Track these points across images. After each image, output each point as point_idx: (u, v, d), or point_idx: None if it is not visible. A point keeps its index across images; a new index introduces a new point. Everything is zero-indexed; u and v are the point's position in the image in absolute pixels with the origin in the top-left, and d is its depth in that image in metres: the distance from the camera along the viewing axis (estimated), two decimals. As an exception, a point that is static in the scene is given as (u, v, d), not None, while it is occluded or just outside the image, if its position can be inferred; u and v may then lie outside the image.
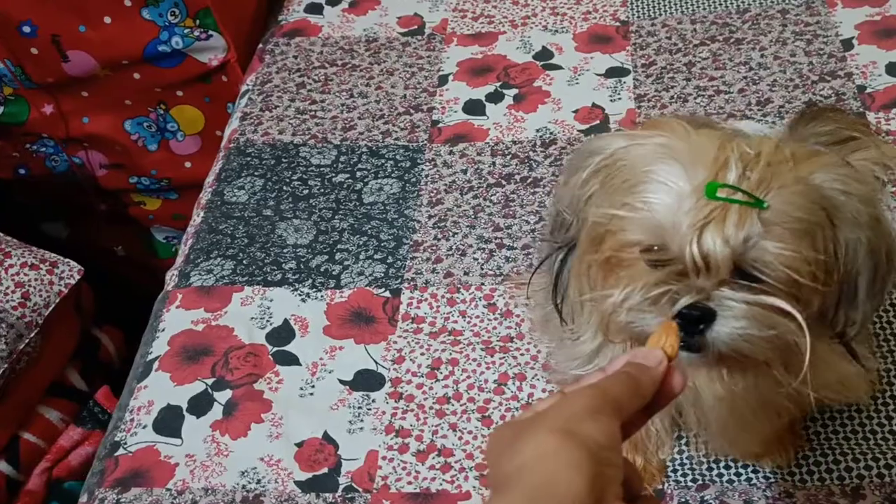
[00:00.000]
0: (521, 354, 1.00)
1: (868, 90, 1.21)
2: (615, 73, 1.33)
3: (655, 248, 0.62)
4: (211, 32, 1.41)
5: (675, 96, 1.27)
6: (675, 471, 0.88)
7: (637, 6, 1.44)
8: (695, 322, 0.60)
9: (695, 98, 1.26)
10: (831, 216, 0.62)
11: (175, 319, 1.07)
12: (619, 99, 1.29)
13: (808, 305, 0.62)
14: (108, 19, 1.39)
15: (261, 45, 1.48)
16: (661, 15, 1.41)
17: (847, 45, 1.28)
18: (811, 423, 0.89)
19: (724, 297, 0.59)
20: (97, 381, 1.44)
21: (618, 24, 1.41)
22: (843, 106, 1.20)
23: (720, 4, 1.40)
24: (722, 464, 0.88)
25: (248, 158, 1.28)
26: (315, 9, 1.53)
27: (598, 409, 0.49)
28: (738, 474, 0.87)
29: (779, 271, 0.59)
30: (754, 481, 0.86)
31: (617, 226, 0.63)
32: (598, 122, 1.26)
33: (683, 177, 0.60)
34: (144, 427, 0.97)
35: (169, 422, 0.97)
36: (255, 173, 1.25)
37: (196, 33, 1.41)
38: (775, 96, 1.24)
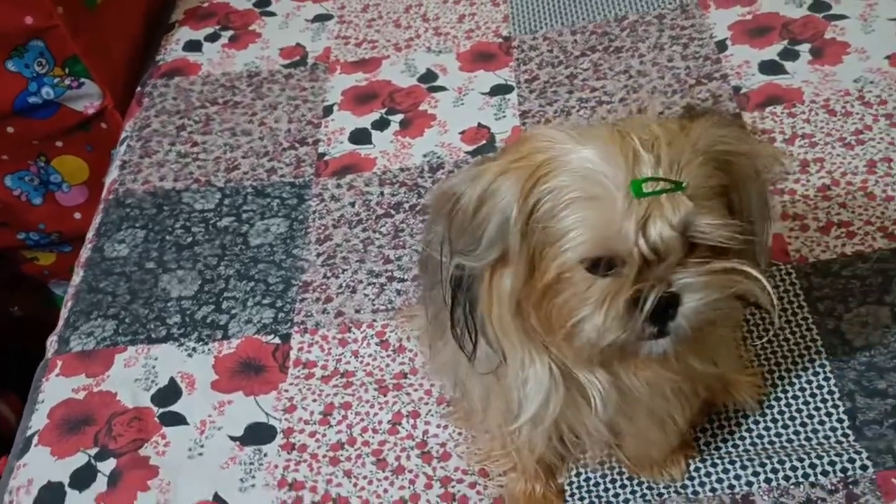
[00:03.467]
0: (415, 390, 0.98)
1: (743, 90, 1.23)
2: (500, 90, 1.33)
3: (602, 258, 0.63)
4: (82, 80, 1.36)
5: (559, 110, 1.27)
6: (572, 495, 0.88)
7: (518, 21, 1.44)
8: (664, 311, 0.62)
9: (577, 111, 1.26)
10: (732, 176, 0.64)
11: (55, 389, 1.03)
12: (504, 117, 1.28)
13: (749, 256, 0.66)
14: (-29, 74, 1.33)
15: (139, 89, 1.43)
16: (542, 28, 1.41)
17: (721, 46, 1.30)
18: (701, 434, 0.89)
19: (681, 278, 0.62)
20: (-3, 453, 1.38)
21: (500, 40, 1.41)
22: (719, 107, 1.21)
23: (599, 13, 1.41)
24: (618, 483, 0.87)
25: (128, 209, 1.23)
26: (194, 46, 1.49)
27: None
28: (633, 492, 0.87)
29: (717, 237, 0.62)
30: (649, 497, 0.86)
31: (555, 252, 0.63)
32: (484, 142, 1.25)
33: (605, 184, 0.61)
34: (24, 509, 0.92)
35: (50, 500, 0.92)
36: (136, 224, 1.21)
37: (67, 82, 1.36)
38: (655, 103, 1.25)
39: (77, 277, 1.16)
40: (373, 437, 0.95)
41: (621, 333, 0.62)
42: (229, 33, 1.52)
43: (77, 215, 1.55)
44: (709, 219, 0.61)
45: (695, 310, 0.62)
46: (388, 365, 1.01)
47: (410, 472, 0.91)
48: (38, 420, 1.00)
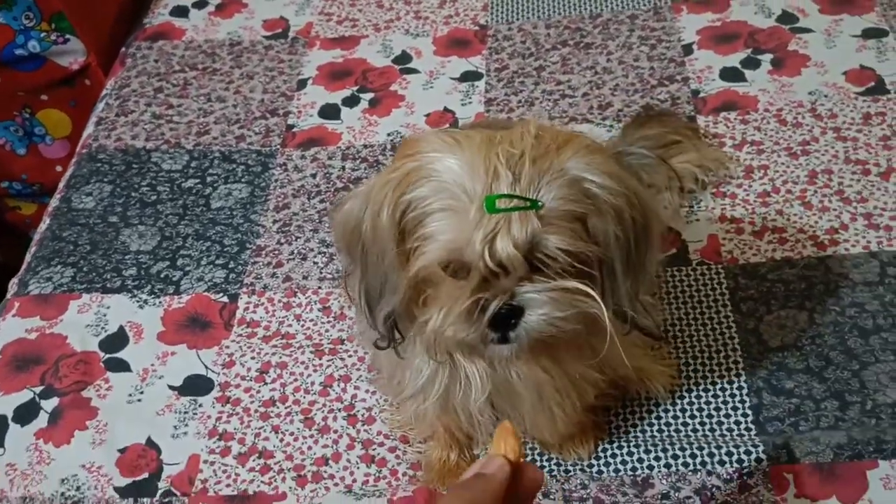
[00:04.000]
0: (350, 356, 1.02)
1: (701, 94, 1.26)
2: (469, 77, 1.36)
3: (453, 264, 0.66)
4: (68, 36, 1.41)
5: (523, 100, 1.31)
6: (485, 466, 0.92)
7: (497, 10, 1.47)
8: (507, 320, 0.65)
9: (541, 102, 1.30)
10: (593, 206, 0.66)
11: (10, 328, 1.07)
12: (470, 103, 1.32)
13: (595, 281, 0.68)
14: (-40, 23, 1.37)
15: (123, 49, 1.47)
16: (518, 19, 1.45)
17: (687, 49, 1.34)
18: (613, 418, 0.94)
19: (525, 291, 0.65)
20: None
21: (477, 28, 1.45)
22: (676, 109, 1.25)
23: (574, 9, 1.44)
24: (529, 458, 0.92)
25: (99, 164, 1.28)
26: (181, 12, 1.53)
27: None
28: (542, 467, 0.91)
29: (563, 259, 0.65)
30: (555, 473, 0.90)
31: (419, 252, 0.67)
32: (447, 125, 1.29)
33: (462, 196, 0.64)
34: (-32, 437, 0.97)
35: (-8, 431, 0.97)
36: (105, 179, 1.25)
37: (53, 37, 1.40)
38: (616, 100, 1.28)
39: (43, 225, 1.21)
40: (304, 397, 0.99)
41: (464, 334, 0.66)
42: (217, 1, 1.55)
43: (58, 168, 1.59)
44: (556, 240, 0.63)
45: (535, 322, 0.65)
46: (327, 330, 1.05)
47: (335, 432, 0.96)
48: (-10, 356, 1.05)
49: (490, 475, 0.60)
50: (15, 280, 1.14)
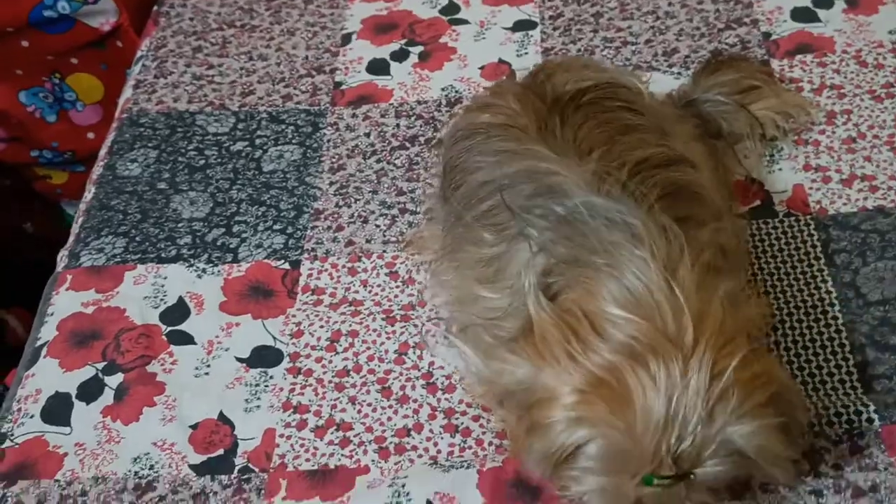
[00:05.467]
0: (423, 323, 0.98)
1: (773, 37, 1.20)
2: (523, 25, 1.29)
3: None
4: (99, -5, 1.34)
5: (583, 48, 1.24)
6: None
7: (546, -45, 1.39)
8: None
9: (602, 50, 1.24)
10: (750, 467, 0.67)
11: (64, 303, 1.03)
12: (526, 53, 1.25)
13: None
14: (-14, -16, 1.31)
15: (155, 8, 1.40)
16: (570, -37, 1.37)
17: (755, -11, 1.27)
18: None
19: None
20: (5, 365, 1.39)
21: (526, -27, 1.37)
22: (748, 54, 1.18)
23: (629, -49, 1.37)
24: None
25: (142, 129, 1.22)
26: (213, -33, 1.46)
27: None
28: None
29: None
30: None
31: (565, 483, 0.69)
32: (503, 77, 1.22)
33: (624, 477, 0.65)
34: (32, 417, 0.93)
35: (57, 410, 0.93)
36: (149, 144, 1.20)
37: (83, -3, 1.34)
38: (682, 46, 1.22)
39: (89, 194, 1.16)
40: (378, 366, 0.95)
41: None
42: (250, -45, 1.48)
43: (90, 135, 1.54)
44: (698, 494, 0.66)
45: None
46: (396, 296, 1.01)
47: (415, 401, 0.92)
48: (47, 332, 1.00)
49: None
50: (65, 252, 1.09)
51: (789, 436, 0.68)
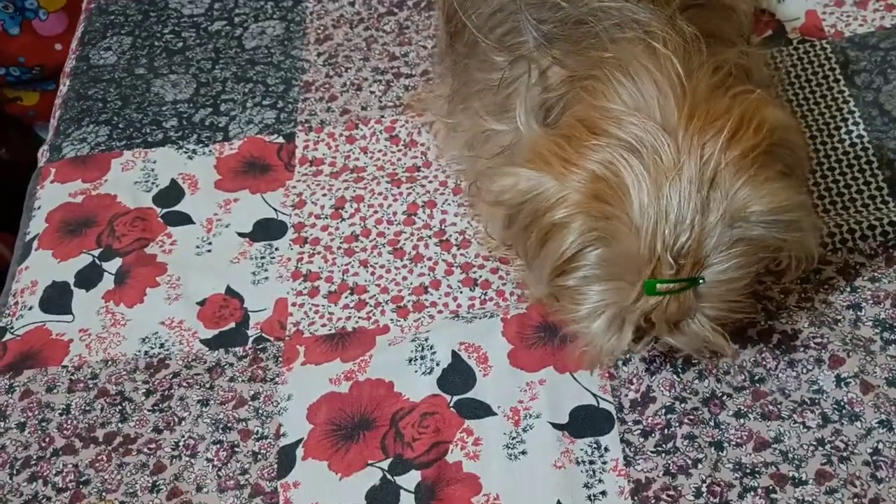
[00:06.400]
0: (430, 182, 0.93)
1: None
2: None
3: None
4: None
5: None
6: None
7: None
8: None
9: None
10: (767, 247, 0.63)
11: (51, 195, 0.98)
12: None
13: None
14: None
15: None
16: None
17: None
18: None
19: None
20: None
21: None
22: None
23: None
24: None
25: (112, 17, 1.15)
26: None
27: None
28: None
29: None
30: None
31: (572, 298, 0.66)
32: None
33: (628, 277, 0.62)
34: (30, 308, 0.89)
35: (56, 299, 0.89)
36: (122, 31, 1.13)
37: None
38: None
39: (64, 87, 1.09)
40: (388, 228, 0.91)
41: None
42: None
43: (58, 46, 1.46)
44: (711, 312, 0.63)
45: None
46: (399, 159, 0.96)
47: (430, 259, 0.88)
48: (36, 225, 0.95)
49: None
50: (45, 147, 1.03)
51: (795, 179, 0.64)
